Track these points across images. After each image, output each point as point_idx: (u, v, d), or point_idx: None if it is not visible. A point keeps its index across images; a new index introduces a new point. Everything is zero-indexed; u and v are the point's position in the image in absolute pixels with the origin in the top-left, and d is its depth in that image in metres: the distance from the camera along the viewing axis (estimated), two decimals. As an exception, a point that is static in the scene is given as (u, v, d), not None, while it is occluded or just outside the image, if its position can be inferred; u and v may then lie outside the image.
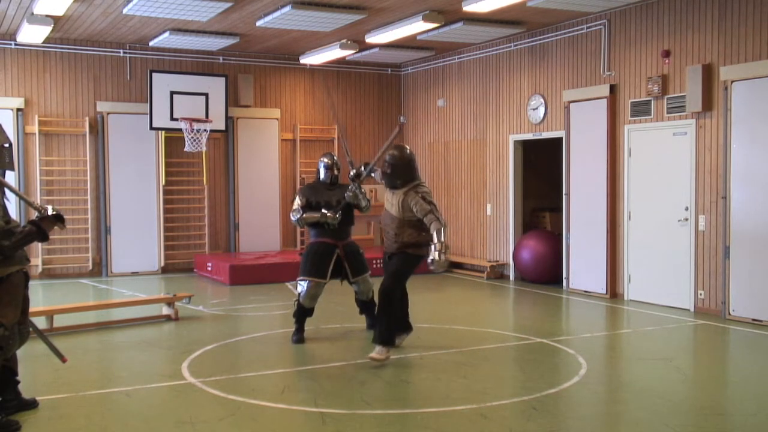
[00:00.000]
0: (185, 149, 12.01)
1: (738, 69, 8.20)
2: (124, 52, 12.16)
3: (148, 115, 11.88)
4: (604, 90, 9.82)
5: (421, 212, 6.34)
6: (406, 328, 6.93)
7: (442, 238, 6.27)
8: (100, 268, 12.04)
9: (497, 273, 11.82)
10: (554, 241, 10.94)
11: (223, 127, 12.40)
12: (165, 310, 8.44)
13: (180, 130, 11.95)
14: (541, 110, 10.98)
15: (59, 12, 9.48)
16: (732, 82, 8.24)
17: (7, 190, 4.92)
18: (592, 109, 10.02)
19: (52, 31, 10.57)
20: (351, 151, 8.41)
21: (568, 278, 10.52)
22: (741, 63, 8.21)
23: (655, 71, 9.21)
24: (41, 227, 4.76)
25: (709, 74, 8.54)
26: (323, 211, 7.16)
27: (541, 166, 12.26)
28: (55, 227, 4.85)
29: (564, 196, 10.58)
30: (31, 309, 5.43)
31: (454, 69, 12.83)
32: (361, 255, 7.42)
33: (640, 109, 9.39)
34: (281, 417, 5.07)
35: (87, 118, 11.91)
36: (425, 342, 7.19)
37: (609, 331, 8.11)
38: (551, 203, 12.21)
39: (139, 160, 12.18)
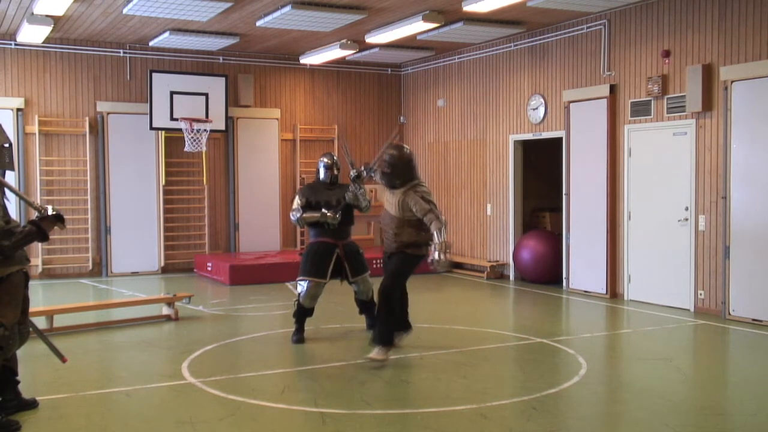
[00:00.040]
0: (185, 149, 12.01)
1: (738, 69, 8.20)
2: (124, 52, 12.16)
3: (148, 115, 11.88)
4: (604, 90, 9.82)
5: (421, 212, 6.32)
6: (406, 327, 6.92)
7: (443, 238, 6.26)
8: (100, 268, 12.04)
9: (497, 273, 11.82)
10: (554, 241, 10.94)
11: (223, 127, 12.40)
12: (165, 310, 8.44)
13: (180, 130, 11.95)
14: (541, 110, 10.98)
15: (59, 12, 9.48)
16: (732, 82, 8.24)
17: (7, 190, 4.92)
18: (592, 109, 10.02)
19: (52, 31, 10.57)
20: (351, 152, 8.39)
21: (568, 278, 10.52)
22: (741, 63, 8.21)
23: (655, 71, 9.21)
24: (41, 227, 4.76)
25: (709, 74, 8.54)
26: (323, 210, 7.17)
27: (541, 166, 12.25)
28: (55, 227, 4.85)
29: (564, 196, 10.58)
30: (31, 309, 5.43)
31: (454, 69, 12.83)
32: (361, 255, 7.42)
33: (640, 109, 9.39)
34: (281, 417, 5.07)
35: (87, 118, 11.91)
36: (425, 342, 7.19)
37: (609, 331, 8.11)
38: (551, 203, 12.21)
39: (139, 160, 12.18)
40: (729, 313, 8.33)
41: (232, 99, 12.70)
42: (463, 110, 12.66)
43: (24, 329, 5.00)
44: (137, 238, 12.17)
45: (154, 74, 11.91)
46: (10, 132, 11.08)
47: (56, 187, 11.80)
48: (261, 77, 13.19)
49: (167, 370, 6.25)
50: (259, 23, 10.17)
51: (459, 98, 12.75)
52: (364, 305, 7.55)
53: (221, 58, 12.80)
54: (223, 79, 12.40)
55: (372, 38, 10.96)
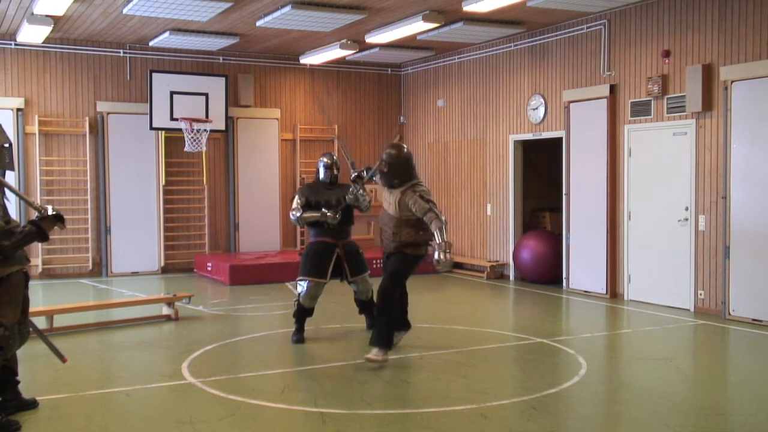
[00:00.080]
0: (185, 149, 12.01)
1: (738, 69, 8.20)
2: (124, 52, 12.16)
3: (148, 115, 11.88)
4: (604, 90, 9.82)
5: (421, 211, 6.29)
6: (405, 326, 6.90)
7: (445, 237, 6.22)
8: (100, 268, 12.04)
9: (497, 273, 11.82)
10: (554, 241, 10.94)
11: (223, 127, 12.40)
12: (165, 310, 8.44)
13: (180, 130, 11.95)
14: (541, 110, 10.98)
15: (59, 12, 9.48)
16: (732, 82, 8.24)
17: (7, 190, 4.92)
18: (592, 109, 10.02)
19: (52, 31, 10.57)
20: (351, 153, 8.38)
21: (568, 278, 10.52)
22: (741, 63, 8.21)
23: (655, 71, 9.21)
24: (41, 227, 4.76)
25: (709, 74, 8.54)
26: (323, 210, 7.17)
27: (541, 166, 12.26)
28: (55, 227, 4.85)
29: (564, 196, 10.58)
30: (31, 309, 5.43)
31: (454, 69, 12.83)
32: (361, 255, 7.42)
33: (640, 109, 9.39)
34: (281, 417, 5.07)
35: (87, 118, 11.91)
36: (425, 342, 7.19)
37: (609, 331, 8.11)
38: (551, 203, 12.21)
39: (139, 160, 12.18)
40: (729, 313, 8.33)
41: (232, 99, 12.70)
42: (463, 110, 12.66)
43: (24, 329, 5.00)
44: (137, 238, 12.17)
45: (154, 74, 11.91)
46: (10, 132, 11.08)
47: (56, 187, 11.80)
48: (261, 77, 13.19)
49: (167, 370, 6.25)
50: (259, 23, 10.17)
51: (459, 98, 12.75)
52: (364, 305, 7.56)
53: (221, 58, 12.80)
54: (223, 79, 12.40)
55: (372, 38, 10.96)
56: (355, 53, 12.30)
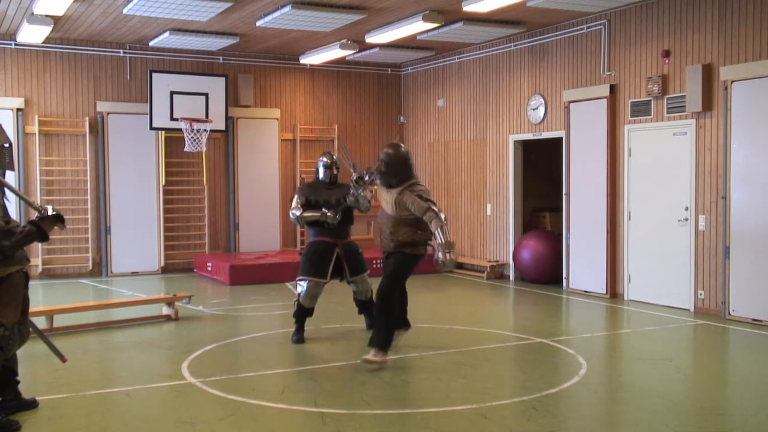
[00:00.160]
0: (185, 149, 12.01)
1: (738, 69, 8.20)
2: (124, 52, 12.16)
3: (148, 115, 11.88)
4: (604, 90, 9.82)
5: (420, 211, 6.22)
6: (404, 325, 6.88)
7: (446, 237, 6.17)
8: (100, 268, 12.05)
9: (497, 273, 11.82)
10: (554, 241, 10.94)
11: (223, 127, 12.40)
12: (165, 310, 8.44)
13: (180, 130, 11.95)
14: (541, 110, 10.98)
15: (59, 12, 9.48)
16: (732, 82, 8.24)
17: (7, 190, 4.92)
18: (592, 109, 10.02)
19: (52, 31, 10.57)
20: (351, 154, 8.35)
21: (568, 278, 10.52)
22: (741, 63, 8.21)
23: (655, 71, 9.21)
24: (41, 227, 4.76)
25: (709, 74, 8.54)
26: (324, 210, 7.16)
27: (541, 166, 12.26)
28: (55, 227, 4.85)
29: (564, 196, 10.58)
30: (31, 309, 5.43)
31: (454, 69, 12.83)
32: (361, 254, 7.41)
33: (640, 109, 9.39)
34: (281, 417, 5.07)
35: (87, 118, 11.91)
36: (425, 342, 7.19)
37: (609, 331, 8.11)
38: (551, 203, 12.21)
39: (139, 160, 12.18)
40: (729, 313, 8.33)
41: (232, 99, 12.70)
42: (463, 110, 12.66)
43: (24, 329, 5.00)
44: (137, 238, 12.17)
45: (154, 74, 11.91)
46: (10, 132, 11.08)
47: (56, 187, 11.80)
48: (261, 77, 13.19)
49: (167, 370, 6.25)
50: (259, 23, 10.17)
51: (459, 98, 12.75)
52: (363, 305, 7.55)
53: (221, 58, 12.80)
54: (223, 79, 12.40)
55: (372, 38, 10.96)
56: (355, 53, 12.30)
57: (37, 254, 11.45)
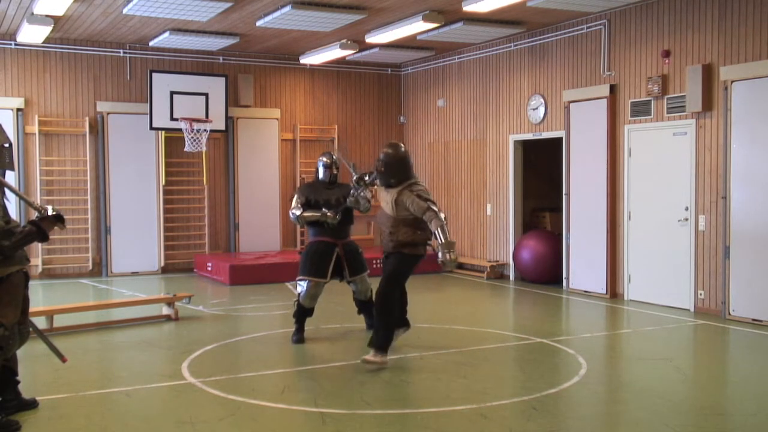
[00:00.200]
0: (185, 149, 12.01)
1: (738, 69, 8.20)
2: (124, 52, 12.16)
3: (148, 115, 11.88)
4: (604, 90, 9.82)
5: (419, 210, 6.19)
6: (404, 324, 6.87)
7: (447, 237, 6.14)
8: (100, 268, 12.05)
9: (497, 273, 11.82)
10: (554, 241, 10.94)
11: (223, 127, 12.40)
12: (165, 310, 8.44)
13: (180, 130, 11.95)
14: (541, 110, 10.98)
15: (59, 12, 9.48)
16: (732, 82, 8.24)
17: (7, 190, 4.92)
18: (592, 109, 10.02)
19: (52, 31, 10.57)
20: (351, 154, 8.32)
21: (568, 278, 10.52)
22: (741, 63, 8.21)
23: (655, 71, 9.21)
24: (41, 227, 4.76)
25: (709, 74, 8.54)
26: (324, 210, 7.17)
27: (541, 166, 12.26)
28: (55, 227, 4.85)
29: (564, 196, 10.58)
30: (31, 309, 5.43)
31: (454, 69, 12.83)
32: (360, 254, 7.41)
33: (640, 109, 9.39)
34: (281, 417, 5.07)
35: (87, 118, 11.91)
36: (425, 342, 7.19)
37: (609, 331, 8.11)
38: (551, 203, 12.21)
39: (139, 160, 12.18)
40: (729, 313, 8.33)
41: (232, 99, 12.70)
42: (463, 110, 12.66)
43: (24, 329, 5.00)
44: (137, 238, 12.17)
45: (154, 74, 11.91)
46: (10, 132, 11.08)
47: (56, 187, 11.80)
48: (261, 77, 13.19)
49: (167, 370, 6.24)
50: (259, 23, 10.17)
51: (459, 98, 12.75)
52: (363, 305, 7.55)
53: (221, 58, 12.80)
54: (223, 79, 12.40)
55: (372, 38, 10.96)
56: (355, 53, 12.30)
57: (37, 254, 11.45)
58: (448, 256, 6.16)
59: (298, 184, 12.86)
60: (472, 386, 5.75)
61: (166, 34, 11.03)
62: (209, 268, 11.86)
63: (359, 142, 13.88)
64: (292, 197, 7.52)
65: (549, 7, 9.22)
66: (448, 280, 11.70)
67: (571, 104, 10.39)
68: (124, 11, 9.54)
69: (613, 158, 9.78)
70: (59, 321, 7.70)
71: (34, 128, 11.56)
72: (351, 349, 6.92)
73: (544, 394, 5.48)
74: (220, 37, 11.28)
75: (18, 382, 5.10)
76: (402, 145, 6.63)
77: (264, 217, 13.05)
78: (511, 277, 11.60)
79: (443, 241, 6.14)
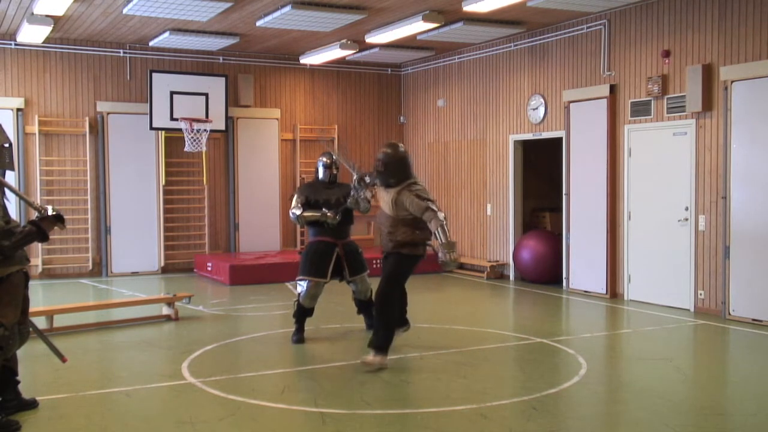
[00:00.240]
0: (185, 149, 12.01)
1: (738, 69, 8.20)
2: (124, 52, 12.16)
3: (148, 115, 11.88)
4: (604, 90, 9.82)
5: (419, 210, 6.16)
6: (404, 324, 6.86)
7: (448, 236, 6.12)
8: (100, 268, 12.05)
9: (497, 273, 11.82)
10: (554, 241, 10.94)
11: (223, 127, 12.40)
12: (165, 310, 8.44)
13: (180, 130, 11.95)
14: (541, 110, 10.98)
15: (59, 12, 9.48)
16: (732, 82, 8.24)
17: (7, 190, 4.92)
18: (592, 109, 10.02)
19: (52, 31, 10.57)
20: (349, 158, 8.25)
21: (568, 278, 10.52)
22: (741, 63, 8.21)
23: (655, 71, 9.21)
24: (41, 227, 4.76)
25: (709, 74, 8.54)
26: (324, 210, 7.16)
27: (541, 166, 12.26)
28: (55, 227, 4.85)
29: (564, 196, 10.58)
30: (31, 309, 5.43)
31: (454, 69, 12.83)
32: (360, 254, 7.41)
33: (640, 109, 9.39)
34: (281, 417, 5.07)
35: (87, 118, 11.92)
36: (425, 342, 7.19)
37: (609, 331, 8.11)
38: (551, 203, 12.21)
39: (139, 160, 12.18)
40: (729, 313, 8.33)
41: (232, 99, 12.70)
42: (463, 110, 12.66)
43: (24, 329, 5.00)
44: (137, 238, 12.17)
45: (154, 74, 11.91)
46: (10, 132, 11.08)
47: (56, 187, 11.80)
48: (261, 77, 13.19)
49: (167, 370, 6.25)
50: (259, 23, 10.17)
51: (459, 98, 12.75)
52: (362, 305, 7.55)
53: (221, 58, 12.80)
54: (223, 79, 12.40)
55: (372, 38, 10.96)
56: (355, 53, 12.30)
57: (37, 254, 11.45)
58: (448, 256, 6.16)
59: (298, 184, 12.86)
60: (472, 386, 5.75)
61: (166, 34, 11.03)
62: (209, 268, 11.86)
63: (359, 142, 13.88)
64: (292, 197, 7.52)
65: (549, 7, 9.22)
66: (448, 280, 11.70)
67: (571, 104, 10.39)
68: (124, 11, 9.54)
69: (613, 158, 9.78)
70: (59, 321, 7.70)
71: (34, 128, 11.56)
72: (351, 349, 6.92)
73: (544, 394, 5.48)
74: (220, 37, 11.28)
75: (18, 382, 5.10)
76: (401, 144, 6.62)
77: (264, 217, 13.06)
78: (511, 277, 11.60)
79: (444, 241, 6.13)
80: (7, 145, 5.09)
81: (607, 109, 9.76)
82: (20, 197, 5.06)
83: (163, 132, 12.19)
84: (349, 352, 6.76)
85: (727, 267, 8.35)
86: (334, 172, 7.49)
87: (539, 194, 12.35)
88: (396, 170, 6.35)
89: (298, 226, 12.22)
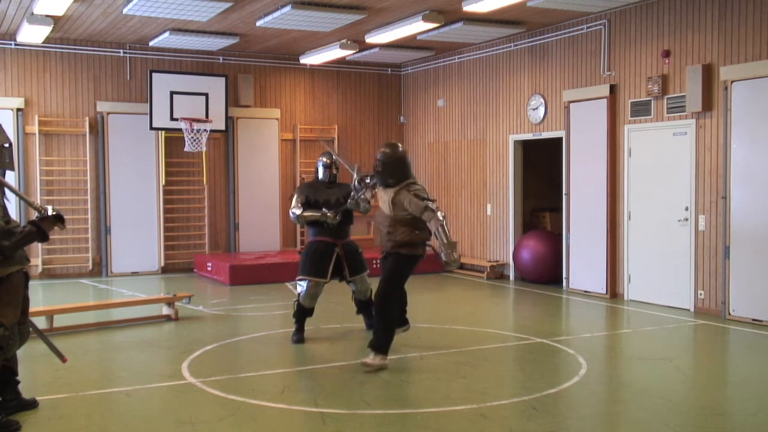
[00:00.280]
0: (185, 149, 12.01)
1: (738, 69, 8.20)
2: (124, 52, 12.16)
3: (148, 115, 11.88)
4: (604, 90, 9.82)
5: (418, 210, 6.16)
6: (403, 323, 6.85)
7: (448, 236, 6.11)
8: (100, 268, 12.05)
9: (497, 273, 11.82)
10: (554, 241, 10.94)
11: (223, 127, 12.40)
12: (165, 310, 8.44)
13: (180, 130, 11.95)
14: (541, 110, 10.98)
15: (59, 12, 9.48)
16: (732, 82, 8.24)
17: (7, 190, 4.92)
18: (592, 109, 10.02)
19: (52, 31, 10.57)
20: (350, 154, 8.29)
21: (568, 278, 10.52)
22: (741, 63, 8.21)
23: (655, 71, 9.21)
24: (41, 227, 4.76)
25: (709, 74, 8.54)
26: (324, 210, 7.16)
27: (541, 166, 12.26)
28: (55, 227, 4.85)
29: (564, 196, 10.58)
30: (31, 309, 5.43)
31: (454, 69, 12.83)
32: (360, 254, 7.41)
33: (640, 109, 9.39)
34: (281, 417, 5.07)
35: (87, 118, 11.92)
36: (425, 342, 7.19)
37: (609, 331, 8.11)
38: (551, 203, 12.21)
39: (139, 160, 12.18)
40: (729, 313, 8.33)
41: (232, 99, 12.70)
42: (463, 110, 12.66)
43: (24, 329, 5.00)
44: (137, 238, 12.17)
45: (154, 74, 11.91)
46: (10, 132, 11.08)
47: (56, 187, 11.80)
48: (261, 77, 13.19)
49: (167, 370, 6.25)
50: (259, 23, 10.17)
51: (459, 98, 12.75)
52: (362, 305, 7.55)
53: (221, 58, 12.80)
54: (223, 79, 12.40)
55: (372, 38, 10.96)
56: (355, 53, 12.30)
57: (37, 254, 11.45)
58: (451, 256, 6.16)
59: (298, 184, 12.86)
60: (472, 386, 5.75)
61: (166, 34, 11.03)
62: (209, 268, 11.86)
63: (359, 142, 13.88)
64: (292, 197, 7.52)
65: (549, 7, 9.22)
66: (448, 280, 11.70)
67: (571, 104, 10.39)
68: (124, 11, 9.54)
69: (613, 158, 9.78)
70: (59, 321, 7.70)
71: (34, 128, 11.56)
72: (351, 349, 6.93)
73: (544, 394, 5.48)
74: (220, 37, 11.28)
75: (18, 382, 5.10)
76: (400, 144, 6.61)
77: (264, 217, 13.06)
78: (511, 277, 11.60)
79: (445, 241, 6.13)
80: (7, 145, 5.09)
81: (607, 109, 9.76)
82: (20, 197, 5.06)
83: (163, 132, 12.19)
84: (349, 352, 6.76)
85: (727, 267, 8.36)
86: (334, 172, 7.50)
87: (539, 194, 12.35)
88: (395, 170, 6.34)
89: (298, 226, 12.23)
